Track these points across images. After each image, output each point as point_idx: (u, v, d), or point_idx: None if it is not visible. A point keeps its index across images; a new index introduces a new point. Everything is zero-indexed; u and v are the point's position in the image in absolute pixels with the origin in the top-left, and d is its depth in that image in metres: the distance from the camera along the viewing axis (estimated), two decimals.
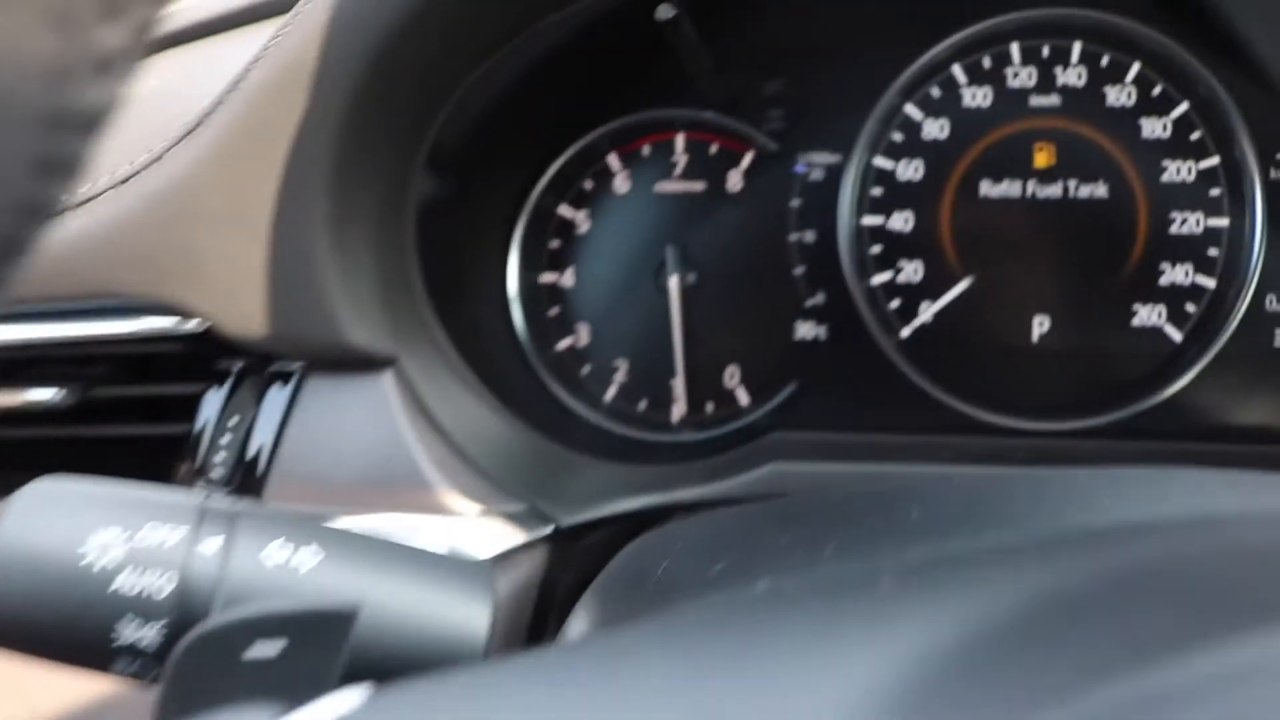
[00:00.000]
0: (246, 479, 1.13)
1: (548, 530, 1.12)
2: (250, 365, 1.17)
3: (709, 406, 1.35)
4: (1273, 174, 1.29)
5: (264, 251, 1.01)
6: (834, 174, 1.31)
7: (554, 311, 1.37)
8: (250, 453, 1.14)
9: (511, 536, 1.11)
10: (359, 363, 1.11)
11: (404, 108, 1.05)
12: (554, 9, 1.05)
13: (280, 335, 1.06)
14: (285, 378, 1.15)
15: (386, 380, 1.11)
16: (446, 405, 1.14)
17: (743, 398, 1.35)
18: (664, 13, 1.02)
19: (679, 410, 1.34)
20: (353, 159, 1.01)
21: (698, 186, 1.34)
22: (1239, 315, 1.27)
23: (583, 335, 1.37)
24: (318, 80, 0.96)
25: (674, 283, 1.31)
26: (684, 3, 1.09)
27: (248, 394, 1.16)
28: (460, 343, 1.21)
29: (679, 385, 1.33)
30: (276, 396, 1.15)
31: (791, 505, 0.91)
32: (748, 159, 1.34)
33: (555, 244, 1.37)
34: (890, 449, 1.23)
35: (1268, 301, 1.29)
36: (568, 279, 1.37)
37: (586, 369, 1.37)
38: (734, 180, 1.34)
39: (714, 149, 1.34)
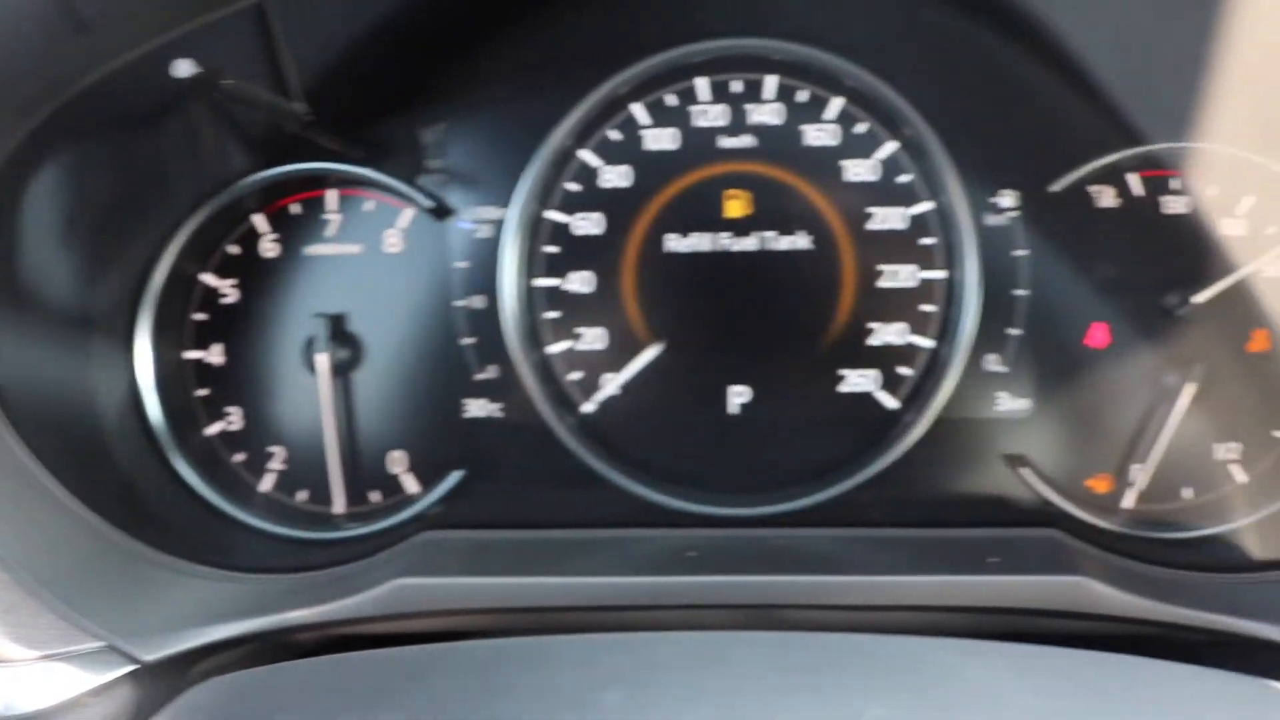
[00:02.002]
0: None
1: (126, 670, 0.96)
2: None
3: (374, 496, 1.20)
4: (990, 220, 1.14)
5: None
6: (503, 231, 1.15)
7: (202, 393, 1.20)
8: None
9: (78, 682, 0.95)
10: None
11: None
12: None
13: None
14: None
15: None
16: (4, 523, 0.97)
17: (411, 485, 1.19)
18: (181, 70, 0.86)
19: (340, 502, 1.18)
20: None
21: (353, 249, 1.18)
22: (956, 378, 1.12)
23: (234, 419, 1.20)
24: None
25: (322, 359, 1.15)
26: (238, 54, 0.93)
27: None
28: (47, 439, 1.04)
29: (335, 474, 1.17)
30: None
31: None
32: (407, 216, 1.18)
33: (201, 317, 1.20)
34: (546, 552, 1.07)
35: (987, 362, 1.15)
36: (216, 356, 1.20)
37: (240, 457, 1.21)
38: (392, 240, 1.18)
39: (369, 206, 1.18)
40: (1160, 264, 1.14)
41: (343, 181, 1.17)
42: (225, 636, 0.99)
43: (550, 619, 1.01)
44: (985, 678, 0.67)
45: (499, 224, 1.15)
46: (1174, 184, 1.15)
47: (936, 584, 1.01)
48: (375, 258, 1.18)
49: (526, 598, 1.01)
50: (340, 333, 1.17)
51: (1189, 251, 1.14)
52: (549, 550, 1.08)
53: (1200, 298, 1.12)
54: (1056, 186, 1.13)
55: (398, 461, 1.19)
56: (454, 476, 1.16)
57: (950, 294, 1.14)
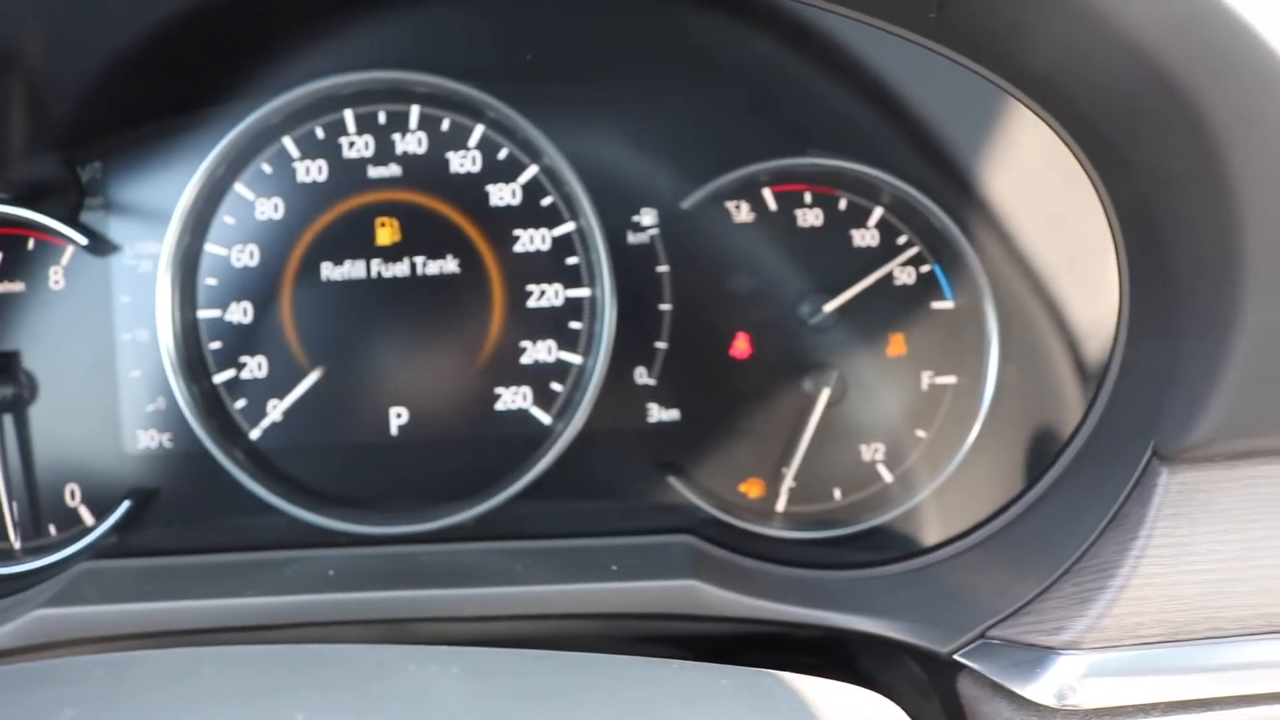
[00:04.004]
0: None
1: None
2: None
3: (52, 529, 1.22)
4: (632, 238, 1.19)
5: None
6: (158, 265, 1.18)
7: None
8: None
9: None
10: None
11: None
12: None
13: None
14: None
15: None
16: None
17: (87, 517, 1.22)
18: None
19: (14, 536, 1.21)
20: None
21: (17, 287, 1.21)
22: (599, 390, 1.16)
23: None
24: None
25: None
26: None
27: None
28: None
29: (5, 509, 1.19)
30: None
31: None
32: (68, 254, 1.20)
33: None
34: (199, 577, 1.10)
35: (637, 375, 1.19)
36: None
37: None
38: (56, 278, 1.21)
39: (31, 245, 1.21)
40: (797, 275, 1.19)
41: (3, 221, 1.20)
42: None
43: (190, 642, 1.04)
44: (430, 682, 0.71)
45: (158, 259, 1.18)
46: (807, 198, 1.19)
47: (560, 592, 1.05)
48: (41, 295, 1.20)
49: (163, 623, 1.04)
50: (10, 370, 1.19)
51: (823, 262, 1.19)
52: (202, 575, 1.11)
53: (830, 306, 1.17)
54: (687, 203, 1.17)
55: (73, 494, 1.21)
56: (123, 507, 1.18)
57: (594, 311, 1.18)
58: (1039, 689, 0.90)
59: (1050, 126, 0.98)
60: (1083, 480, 1.02)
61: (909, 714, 0.88)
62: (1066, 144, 0.99)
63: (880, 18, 0.96)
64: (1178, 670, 0.89)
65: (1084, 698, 0.89)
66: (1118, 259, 1.02)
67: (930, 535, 1.16)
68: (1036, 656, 0.91)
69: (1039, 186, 1.10)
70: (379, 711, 0.68)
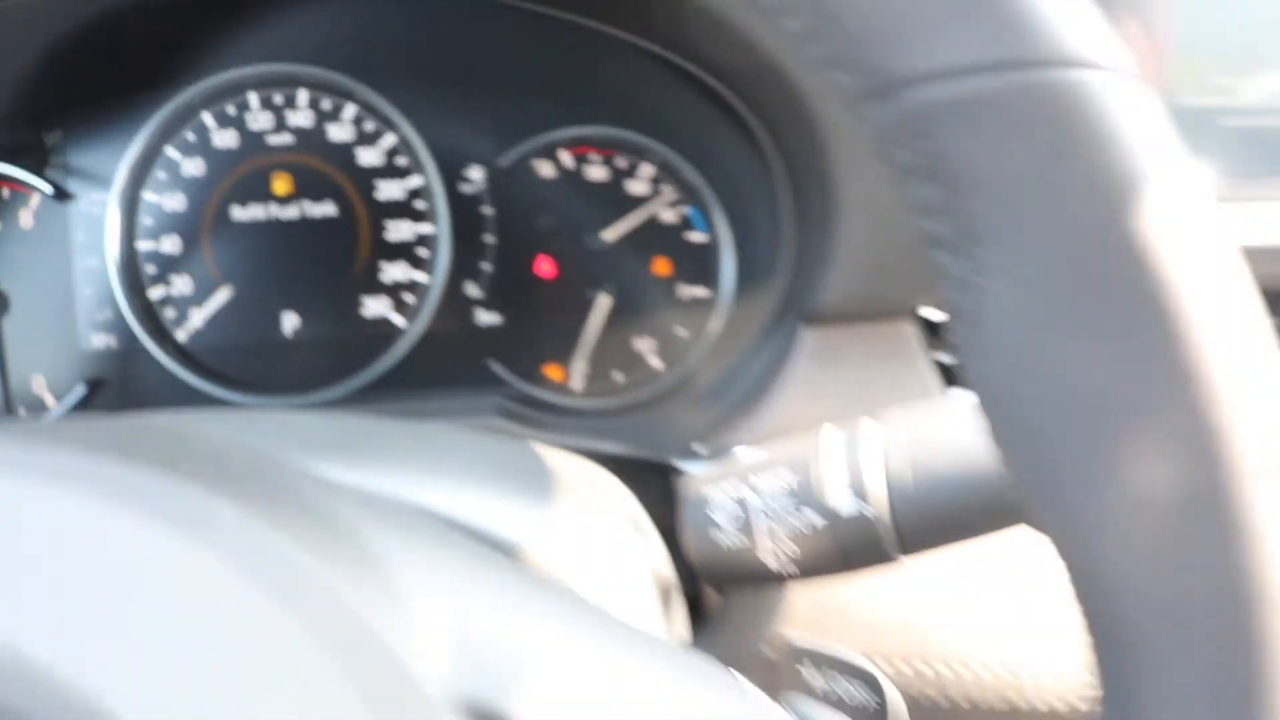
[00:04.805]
0: None
1: None
2: None
3: (21, 411, 1.60)
4: (465, 188, 1.61)
5: None
6: (107, 209, 1.57)
7: None
8: None
9: None
10: None
11: None
12: None
13: None
14: None
15: None
16: None
17: (50, 401, 1.60)
18: None
19: None
20: None
21: None
22: (439, 300, 1.58)
23: None
24: None
25: None
26: None
27: None
28: None
29: None
30: None
31: None
32: (36, 201, 1.59)
33: None
34: None
35: (468, 289, 1.61)
36: None
37: None
38: (26, 219, 1.59)
39: (6, 194, 1.59)
40: (587, 214, 1.62)
41: None
42: None
43: None
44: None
45: (105, 204, 1.57)
46: (595, 157, 1.63)
47: None
48: (14, 232, 1.59)
49: None
50: None
51: (606, 205, 1.62)
52: None
53: (609, 235, 1.60)
54: (504, 162, 1.59)
55: (39, 384, 1.59)
56: (77, 391, 1.56)
57: (436, 242, 1.59)
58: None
59: (734, 105, 1.43)
60: (760, 344, 1.47)
61: (655, 521, 1.30)
62: (749, 123, 1.44)
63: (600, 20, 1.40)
64: None
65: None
66: (786, 194, 1.47)
67: (678, 395, 1.59)
68: (716, 455, 1.34)
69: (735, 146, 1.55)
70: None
